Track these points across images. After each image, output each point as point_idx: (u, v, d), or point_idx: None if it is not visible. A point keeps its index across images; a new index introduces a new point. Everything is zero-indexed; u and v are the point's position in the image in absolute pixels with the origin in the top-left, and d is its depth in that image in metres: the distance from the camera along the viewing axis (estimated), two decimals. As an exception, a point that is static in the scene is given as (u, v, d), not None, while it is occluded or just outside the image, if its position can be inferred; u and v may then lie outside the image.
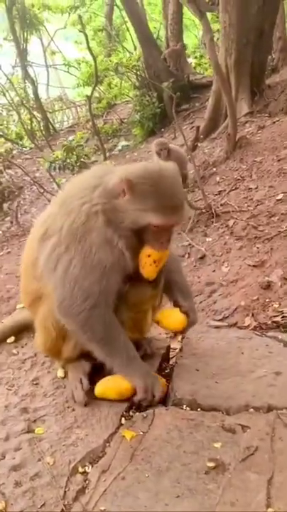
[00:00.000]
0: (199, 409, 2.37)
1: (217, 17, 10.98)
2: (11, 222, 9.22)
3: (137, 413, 2.37)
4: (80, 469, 2.07)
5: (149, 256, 2.23)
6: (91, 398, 2.39)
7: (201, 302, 4.52)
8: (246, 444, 2.11)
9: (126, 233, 2.20)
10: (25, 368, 2.64)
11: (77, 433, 2.24)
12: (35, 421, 2.30)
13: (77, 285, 2.19)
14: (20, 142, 13.53)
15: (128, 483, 1.98)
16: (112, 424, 2.30)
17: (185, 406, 2.39)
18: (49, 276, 2.29)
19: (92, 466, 2.09)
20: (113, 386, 2.38)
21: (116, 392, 2.37)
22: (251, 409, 2.31)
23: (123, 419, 2.33)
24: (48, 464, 2.07)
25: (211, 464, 2.04)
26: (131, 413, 2.37)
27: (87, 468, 2.08)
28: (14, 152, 12.73)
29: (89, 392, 2.41)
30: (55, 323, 2.36)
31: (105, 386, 2.39)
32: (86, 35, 9.77)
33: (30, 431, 2.24)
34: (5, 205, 10.54)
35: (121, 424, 2.30)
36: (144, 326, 2.65)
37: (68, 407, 2.38)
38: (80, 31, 11.02)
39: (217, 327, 4.06)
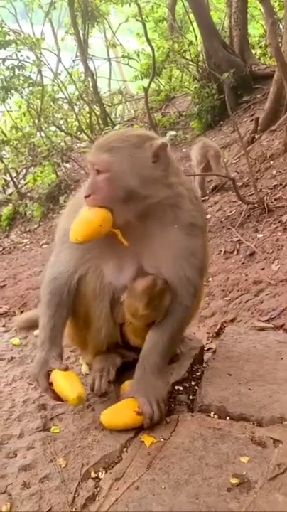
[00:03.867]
0: (227, 418, 2.18)
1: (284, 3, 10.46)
2: (66, 215, 9.30)
3: (160, 418, 2.20)
4: (93, 474, 1.94)
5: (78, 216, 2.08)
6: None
7: (247, 301, 4.26)
8: (276, 461, 1.89)
9: None
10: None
11: (94, 435, 2.11)
12: (52, 419, 2.20)
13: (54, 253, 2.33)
14: (80, 136, 13.65)
15: (142, 494, 1.83)
16: (132, 427, 2.15)
17: (212, 413, 2.21)
18: None
19: (106, 472, 1.95)
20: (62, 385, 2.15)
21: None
22: (286, 422, 2.08)
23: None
24: (60, 466, 1.96)
25: (235, 481, 1.84)
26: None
27: (99, 473, 1.95)
28: (74, 146, 12.88)
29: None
30: (79, 309, 2.29)
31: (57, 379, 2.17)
32: (144, 25, 9.62)
33: (45, 429, 2.15)
34: (61, 198, 10.67)
35: (142, 428, 2.14)
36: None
37: (88, 407, 2.26)
38: (138, 20, 10.88)
39: (261, 328, 3.81)
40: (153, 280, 2.15)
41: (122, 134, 2.12)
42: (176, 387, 2.43)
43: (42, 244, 8.19)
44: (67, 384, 2.12)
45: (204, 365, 2.64)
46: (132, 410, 2.10)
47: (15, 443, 2.08)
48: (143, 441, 2.06)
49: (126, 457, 2.00)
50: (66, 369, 2.16)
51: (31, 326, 2.89)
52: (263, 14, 17.96)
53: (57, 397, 2.16)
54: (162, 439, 2.07)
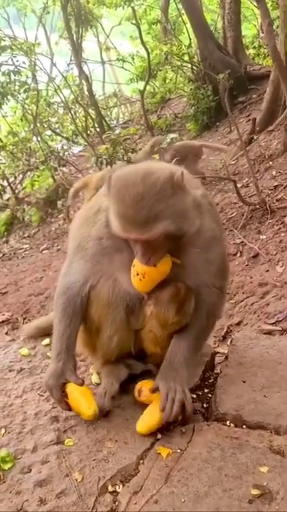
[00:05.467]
0: (244, 427, 2.14)
1: (277, 3, 10.45)
2: (64, 219, 9.26)
3: (175, 428, 2.17)
4: (110, 488, 1.90)
5: (133, 266, 2.04)
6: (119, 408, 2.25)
7: (253, 304, 4.23)
8: (297, 471, 1.86)
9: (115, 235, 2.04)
10: (58, 373, 2.50)
11: (109, 447, 2.07)
12: (65, 431, 2.15)
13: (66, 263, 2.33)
14: (76, 139, 13.60)
15: (162, 508, 1.79)
16: (147, 438, 2.11)
17: (228, 422, 2.18)
18: None
19: (123, 486, 1.91)
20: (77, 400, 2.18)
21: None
22: (304, 430, 2.05)
23: (159, 433, 2.13)
24: (76, 480, 1.91)
25: (256, 492, 1.80)
26: (169, 426, 2.18)
27: (117, 487, 1.91)
28: (69, 150, 12.83)
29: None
30: (91, 316, 2.27)
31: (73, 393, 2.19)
32: (139, 28, 9.59)
33: (59, 442, 2.10)
34: (59, 203, 10.63)
35: (157, 439, 2.11)
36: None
37: (101, 417, 2.21)
38: (133, 24, 10.87)
39: (268, 332, 3.78)
40: (176, 287, 2.15)
41: (140, 184, 1.92)
42: (189, 396, 2.39)
43: (43, 250, 8.14)
44: (83, 399, 2.14)
45: (217, 371, 2.60)
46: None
47: (30, 457, 2.03)
48: (159, 453, 2.02)
49: (143, 469, 1.97)
50: (82, 384, 2.15)
51: (40, 334, 2.85)
52: (256, 15, 18.08)
53: (69, 409, 2.17)
54: (178, 450, 2.03)
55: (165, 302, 2.15)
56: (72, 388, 2.15)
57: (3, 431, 2.18)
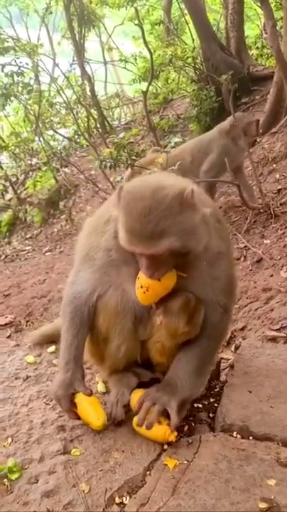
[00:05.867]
0: (251, 438, 2.14)
1: (281, 4, 10.42)
2: (66, 221, 9.25)
3: (182, 438, 2.17)
4: (117, 500, 1.90)
5: (138, 278, 2.05)
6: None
7: (257, 309, 4.21)
8: (305, 484, 1.85)
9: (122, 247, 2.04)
10: (64, 381, 2.50)
11: (116, 457, 2.07)
12: (71, 441, 2.16)
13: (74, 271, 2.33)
14: (78, 140, 13.59)
15: (169, 521, 1.79)
16: (154, 448, 2.12)
17: (235, 433, 2.17)
18: None
19: (130, 497, 1.91)
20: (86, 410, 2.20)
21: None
22: (312, 442, 2.05)
23: (165, 444, 2.13)
24: (83, 491, 1.92)
25: (263, 505, 1.80)
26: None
27: (124, 499, 1.91)
28: (71, 151, 12.82)
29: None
30: (99, 326, 2.28)
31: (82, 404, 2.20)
32: (142, 28, 9.55)
33: (66, 452, 2.10)
34: (61, 203, 10.63)
35: (164, 450, 2.11)
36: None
37: (107, 427, 2.21)
38: (136, 25, 10.83)
39: (273, 338, 3.77)
40: (186, 297, 2.15)
41: (149, 198, 1.93)
42: (195, 405, 2.40)
43: (45, 252, 8.13)
44: (92, 409, 2.15)
45: (222, 379, 2.60)
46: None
47: (36, 467, 2.03)
48: (166, 464, 2.02)
49: (149, 481, 1.97)
50: (91, 394, 2.16)
51: (45, 341, 2.85)
52: (259, 15, 18.02)
53: (78, 418, 2.18)
54: (185, 461, 2.03)
55: (175, 312, 2.15)
56: (80, 398, 2.16)
57: (9, 440, 2.18)
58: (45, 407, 2.36)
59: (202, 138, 6.46)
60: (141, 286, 2.04)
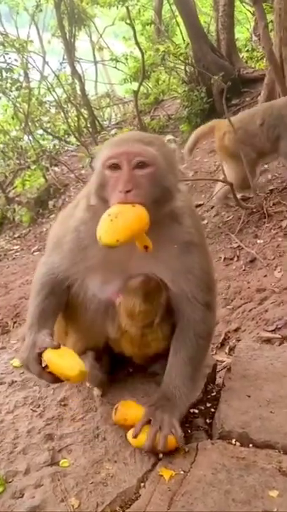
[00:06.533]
0: (250, 446, 2.02)
1: (271, 7, 10.38)
2: (55, 220, 9.10)
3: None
4: (109, 515, 1.77)
5: (108, 214, 1.78)
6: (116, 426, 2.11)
7: (251, 310, 4.12)
8: (308, 495, 1.74)
9: (93, 217, 1.94)
10: (53, 386, 2.35)
11: (107, 468, 1.93)
12: (60, 450, 2.02)
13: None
14: (67, 139, 13.44)
15: (165, 537, 1.66)
16: (148, 458, 1.98)
17: (234, 440, 2.04)
18: None
19: (124, 512, 1.77)
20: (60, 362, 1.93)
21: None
22: (315, 451, 1.93)
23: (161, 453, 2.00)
24: (72, 506, 1.78)
25: (266, 519, 1.68)
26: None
27: (117, 513, 1.77)
28: (61, 150, 12.66)
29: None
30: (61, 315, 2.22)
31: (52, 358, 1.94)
32: (133, 28, 9.47)
33: (54, 463, 1.96)
34: (50, 203, 10.46)
35: (159, 459, 1.98)
36: (151, 342, 2.23)
37: (98, 435, 2.08)
38: (127, 24, 10.75)
39: (268, 339, 3.68)
40: (146, 276, 2.04)
41: (144, 133, 2.07)
42: (191, 411, 2.27)
43: (34, 251, 7.96)
44: (64, 361, 1.90)
45: (219, 383, 2.47)
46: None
47: (22, 480, 1.89)
48: (161, 475, 1.89)
49: (144, 493, 1.83)
50: (58, 346, 1.94)
51: None
52: (249, 18, 18.05)
53: (55, 379, 1.94)
54: (182, 472, 1.90)
55: (132, 289, 2.04)
56: (49, 355, 1.90)
57: (-7, 450, 2.03)
58: (31, 415, 2.21)
59: (273, 104, 6.22)
60: (109, 215, 1.76)
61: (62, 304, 2.17)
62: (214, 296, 2.26)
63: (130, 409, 2.06)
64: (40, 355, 1.93)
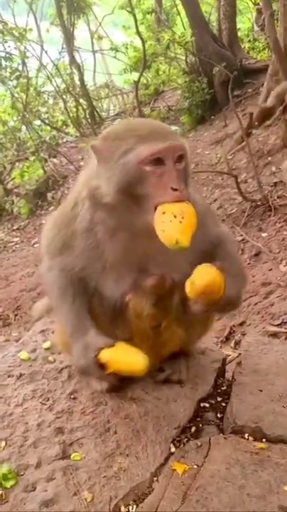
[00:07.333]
0: (264, 440, 1.99)
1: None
2: (55, 212, 9.04)
3: (190, 440, 2.02)
4: (123, 509, 1.75)
5: (164, 213, 1.66)
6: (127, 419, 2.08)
7: (256, 304, 4.10)
8: None
9: (110, 215, 1.86)
10: (61, 379, 2.33)
11: (120, 462, 1.91)
12: (71, 444, 1.99)
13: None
14: (66, 130, 13.33)
15: (180, 533, 1.64)
16: (161, 452, 1.96)
17: (247, 435, 2.03)
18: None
19: (137, 506, 1.76)
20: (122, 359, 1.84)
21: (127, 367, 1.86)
22: None
23: (173, 446, 1.99)
24: (85, 500, 1.75)
25: (281, 514, 1.66)
26: (183, 438, 2.04)
27: (130, 507, 1.76)
28: (59, 140, 12.56)
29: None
30: None
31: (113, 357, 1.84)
32: (135, 16, 9.37)
33: (65, 456, 1.93)
34: (49, 195, 10.40)
35: (171, 453, 1.96)
36: (164, 342, 2.17)
37: (109, 429, 2.05)
38: (128, 12, 10.62)
39: (274, 333, 3.66)
40: (162, 277, 1.97)
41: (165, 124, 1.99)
42: (202, 405, 2.25)
43: (34, 244, 7.91)
44: (127, 357, 1.82)
45: (229, 378, 2.45)
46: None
47: (34, 474, 1.86)
48: (174, 469, 1.87)
49: (157, 488, 1.82)
50: (113, 344, 1.85)
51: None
52: (251, 8, 17.88)
53: (119, 378, 1.91)
54: (195, 466, 1.88)
55: (144, 291, 1.97)
56: (107, 355, 1.80)
57: (3, 443, 2.00)
58: (41, 408, 2.18)
59: None
60: (175, 216, 1.63)
61: (87, 301, 2.04)
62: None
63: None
64: (96, 358, 1.84)
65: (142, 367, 1.78)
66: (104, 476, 1.85)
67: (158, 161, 1.72)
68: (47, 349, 2.54)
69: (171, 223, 1.64)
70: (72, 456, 1.93)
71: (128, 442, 1.99)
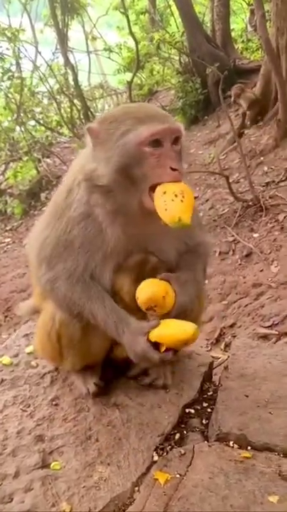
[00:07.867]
0: (249, 448, 1.94)
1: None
2: (48, 212, 8.97)
3: (173, 448, 1.97)
4: (102, 521, 1.69)
5: (165, 193, 1.70)
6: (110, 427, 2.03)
7: (246, 305, 4.06)
8: (309, 501, 1.67)
9: (107, 198, 1.84)
10: (43, 385, 2.28)
11: (100, 471, 1.86)
12: (51, 452, 1.93)
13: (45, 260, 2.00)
14: (60, 130, 13.27)
15: None
16: (143, 460, 1.91)
17: (231, 442, 1.97)
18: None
19: (117, 517, 1.70)
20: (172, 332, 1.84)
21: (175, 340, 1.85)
22: None
23: (155, 454, 1.93)
24: (64, 511, 1.70)
25: (265, 526, 1.61)
26: (166, 446, 1.98)
27: (110, 519, 1.70)
28: (53, 141, 12.50)
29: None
30: (57, 329, 2.04)
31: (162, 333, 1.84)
32: (127, 17, 9.31)
33: (44, 465, 1.88)
34: (42, 195, 10.34)
35: (154, 462, 1.90)
36: None
37: (90, 436, 2.00)
38: (122, 13, 10.58)
39: (264, 335, 3.61)
40: (145, 256, 1.99)
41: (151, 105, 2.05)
42: (187, 410, 2.19)
43: (26, 244, 7.85)
44: (175, 329, 1.82)
45: (216, 382, 2.40)
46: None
47: (11, 484, 1.81)
48: (156, 479, 1.82)
49: (138, 498, 1.76)
50: (157, 324, 1.84)
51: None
52: (244, 9, 17.87)
53: (176, 351, 1.91)
54: (177, 475, 1.83)
55: (128, 267, 1.98)
56: (156, 333, 1.81)
57: (-19, 452, 1.94)
58: (21, 415, 2.12)
59: None
60: (176, 195, 1.68)
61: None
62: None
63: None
64: (148, 341, 1.83)
65: (192, 333, 1.80)
66: (84, 486, 1.79)
67: (156, 142, 1.76)
68: (29, 353, 2.48)
69: (173, 202, 1.68)
70: (51, 466, 1.88)
71: (109, 450, 1.94)
